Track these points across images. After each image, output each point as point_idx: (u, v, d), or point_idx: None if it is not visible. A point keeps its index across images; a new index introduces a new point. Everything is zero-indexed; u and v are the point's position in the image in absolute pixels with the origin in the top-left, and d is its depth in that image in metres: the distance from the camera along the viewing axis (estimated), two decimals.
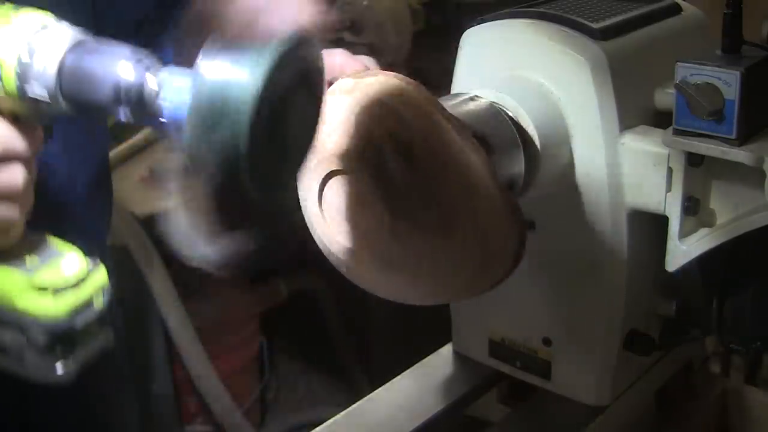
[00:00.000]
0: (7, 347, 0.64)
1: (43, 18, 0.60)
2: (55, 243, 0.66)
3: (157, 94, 0.57)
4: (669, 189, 0.87)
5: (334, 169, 0.67)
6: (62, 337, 0.64)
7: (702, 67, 0.81)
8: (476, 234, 0.65)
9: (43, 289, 0.63)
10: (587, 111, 0.87)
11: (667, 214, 0.88)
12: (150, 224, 1.71)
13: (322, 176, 0.68)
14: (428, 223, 0.63)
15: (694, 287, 0.93)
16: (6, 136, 0.60)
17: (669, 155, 0.86)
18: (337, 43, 2.52)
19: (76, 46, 0.59)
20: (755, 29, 0.90)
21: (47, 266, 0.64)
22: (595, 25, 0.90)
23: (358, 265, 0.69)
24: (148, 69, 0.58)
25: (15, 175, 0.61)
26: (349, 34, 2.35)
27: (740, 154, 0.81)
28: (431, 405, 1.04)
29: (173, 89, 0.57)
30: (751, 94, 0.80)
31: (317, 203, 0.69)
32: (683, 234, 0.88)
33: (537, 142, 0.83)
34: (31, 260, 0.65)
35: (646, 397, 1.04)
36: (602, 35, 0.89)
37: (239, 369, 2.02)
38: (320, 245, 0.71)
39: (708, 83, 0.81)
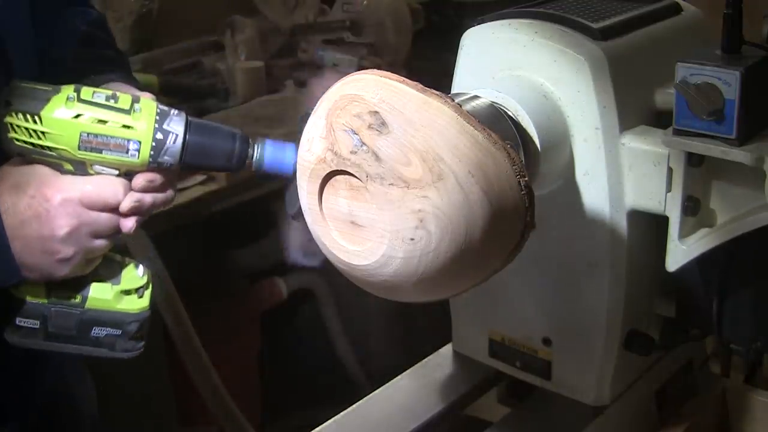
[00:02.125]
0: (101, 341, 0.87)
1: (155, 105, 0.82)
2: (115, 255, 0.89)
3: (253, 159, 0.84)
4: (669, 189, 0.87)
5: (330, 171, 0.67)
6: (144, 323, 0.88)
7: (702, 67, 0.81)
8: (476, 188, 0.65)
9: (129, 292, 0.88)
10: (587, 111, 0.87)
11: (667, 214, 0.88)
12: (150, 224, 1.70)
13: (321, 178, 0.68)
14: (416, 178, 0.64)
15: (694, 287, 0.93)
16: (126, 191, 0.82)
17: (669, 155, 0.86)
18: (337, 43, 2.52)
19: (191, 125, 0.82)
20: (755, 29, 0.89)
21: (126, 275, 0.88)
22: (595, 25, 0.90)
23: (358, 266, 0.70)
24: (246, 141, 0.84)
25: (117, 220, 0.83)
26: (349, 34, 2.36)
27: (740, 154, 0.81)
28: (431, 405, 1.04)
29: (268, 157, 0.84)
30: (750, 94, 0.80)
31: (317, 204, 0.69)
32: (683, 234, 0.88)
33: (537, 142, 0.83)
34: (113, 273, 0.88)
35: (646, 397, 1.04)
36: (602, 35, 0.89)
37: (239, 369, 2.02)
38: (320, 245, 0.71)
39: (708, 83, 0.81)
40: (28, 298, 0.85)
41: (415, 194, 0.63)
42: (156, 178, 0.83)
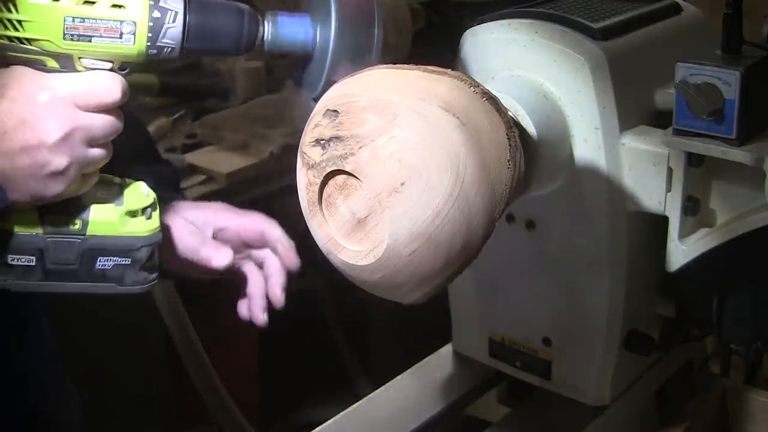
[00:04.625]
0: (107, 274, 0.77)
1: None
2: (114, 177, 0.78)
3: (270, 35, 0.75)
4: (669, 189, 0.87)
5: (318, 185, 0.68)
6: (155, 249, 0.78)
7: (702, 67, 0.81)
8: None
9: (134, 213, 0.77)
10: (587, 111, 0.87)
11: (667, 214, 0.88)
12: None
13: (317, 200, 0.69)
14: (375, 128, 0.65)
15: (694, 287, 0.93)
16: (124, 88, 0.71)
17: (669, 155, 0.86)
18: None
19: (191, 1, 0.71)
20: (755, 29, 0.89)
21: (130, 195, 0.78)
22: (595, 25, 0.90)
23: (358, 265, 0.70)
24: (256, 17, 0.74)
25: (118, 121, 0.72)
26: None
27: (740, 154, 0.81)
28: (431, 405, 1.05)
29: (282, 33, 0.75)
30: (750, 94, 0.81)
31: (317, 205, 0.69)
32: (683, 234, 0.88)
33: (537, 142, 0.83)
34: (114, 193, 0.77)
35: (646, 397, 1.04)
36: (602, 35, 0.89)
37: (239, 369, 2.02)
38: (320, 245, 0.71)
39: (708, 83, 0.81)
40: (19, 230, 0.73)
41: (382, 142, 0.64)
42: None
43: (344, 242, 0.68)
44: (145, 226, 0.77)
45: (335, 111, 0.67)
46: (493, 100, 0.69)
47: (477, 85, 0.69)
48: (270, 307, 0.97)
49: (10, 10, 0.67)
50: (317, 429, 1.00)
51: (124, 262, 0.77)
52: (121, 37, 0.70)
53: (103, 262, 0.76)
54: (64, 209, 0.74)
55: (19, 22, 0.68)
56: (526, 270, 0.98)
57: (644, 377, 1.03)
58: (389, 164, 0.64)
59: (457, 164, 0.64)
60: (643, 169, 0.88)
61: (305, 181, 0.70)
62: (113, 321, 1.54)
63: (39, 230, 0.74)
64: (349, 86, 0.69)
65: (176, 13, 0.70)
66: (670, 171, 0.86)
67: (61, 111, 0.69)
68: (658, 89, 0.92)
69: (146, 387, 1.81)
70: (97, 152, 0.72)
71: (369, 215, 0.66)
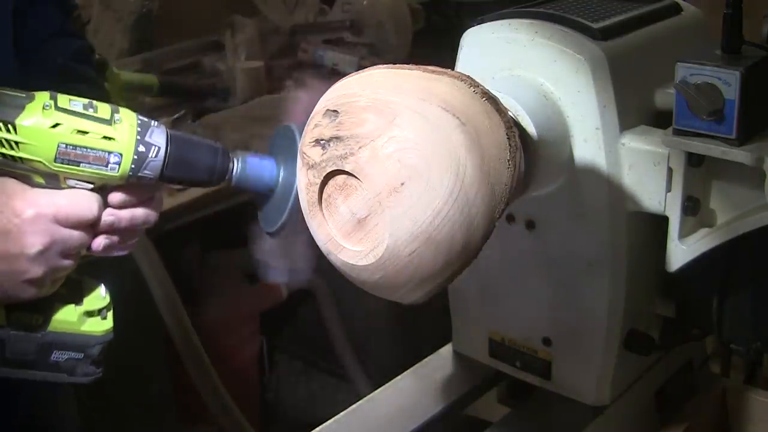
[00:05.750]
0: (60, 366, 0.81)
1: (135, 115, 0.77)
2: (74, 276, 0.82)
3: (238, 174, 0.81)
4: (669, 189, 0.87)
5: (319, 185, 0.68)
6: (106, 346, 0.83)
7: (702, 67, 0.81)
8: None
9: (92, 313, 0.82)
10: (587, 111, 0.87)
11: (667, 214, 0.88)
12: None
13: (317, 200, 0.69)
14: (375, 127, 0.65)
15: (694, 287, 0.93)
16: (101, 207, 0.77)
17: (669, 155, 0.86)
18: (337, 43, 2.52)
19: (172, 138, 0.78)
20: (755, 29, 0.89)
21: (89, 297, 0.83)
22: (595, 25, 0.90)
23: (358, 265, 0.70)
24: (227, 155, 0.80)
25: (90, 238, 0.78)
26: (349, 34, 2.36)
27: (740, 154, 0.81)
28: (431, 405, 1.05)
29: (249, 172, 0.82)
30: (750, 94, 0.80)
31: (317, 205, 0.69)
32: (683, 234, 0.88)
33: (537, 142, 0.83)
34: (74, 293, 0.82)
35: (646, 397, 1.04)
36: (602, 35, 0.89)
37: (239, 369, 2.02)
38: (320, 245, 0.71)
39: (708, 83, 0.81)
40: None
41: (382, 143, 0.64)
42: (135, 193, 0.78)
43: (344, 242, 0.68)
44: (100, 326, 0.83)
45: (335, 111, 0.67)
46: (493, 100, 0.69)
47: (477, 85, 0.69)
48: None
49: (9, 131, 0.72)
50: (317, 429, 1.00)
51: (77, 357, 0.82)
52: (107, 166, 0.75)
53: (58, 356, 0.81)
54: (29, 306, 0.79)
55: (17, 143, 0.73)
56: (526, 270, 0.98)
57: (644, 377, 1.03)
58: (389, 164, 0.64)
59: (457, 164, 0.64)
60: (643, 169, 0.88)
61: (305, 181, 0.70)
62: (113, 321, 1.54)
63: (3, 323, 0.79)
64: (349, 86, 0.69)
65: (159, 148, 0.77)
66: (670, 171, 0.86)
67: (43, 226, 0.74)
68: (658, 89, 0.92)
69: (146, 387, 1.81)
70: (69, 262, 0.77)
71: (369, 215, 0.66)
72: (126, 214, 0.78)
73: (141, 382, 1.79)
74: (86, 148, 0.74)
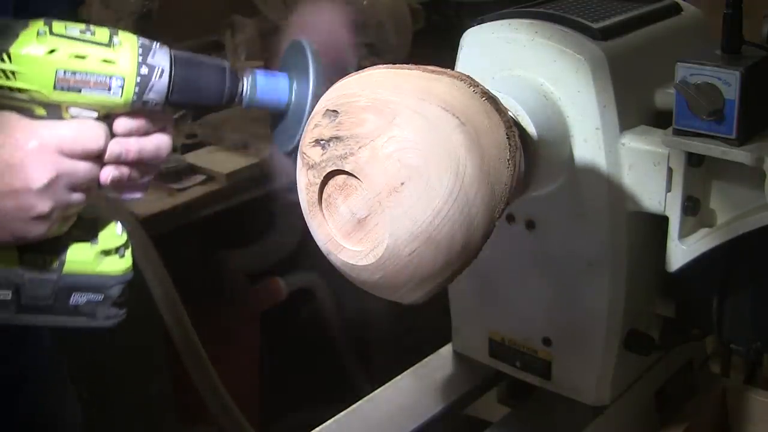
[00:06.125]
0: (80, 309, 0.78)
1: (136, 38, 0.74)
2: (88, 213, 0.79)
3: (248, 93, 0.77)
4: (669, 189, 0.87)
5: (319, 185, 0.68)
6: (126, 287, 0.80)
7: (702, 67, 0.81)
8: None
9: (108, 252, 0.79)
10: (587, 111, 0.87)
11: (667, 214, 0.88)
12: (150, 224, 1.71)
13: (317, 200, 0.69)
14: (375, 127, 0.65)
15: (694, 287, 0.93)
16: (107, 136, 0.74)
17: (669, 155, 0.86)
18: None
19: (176, 59, 0.74)
20: (755, 29, 0.89)
21: (105, 235, 0.79)
22: (595, 25, 0.90)
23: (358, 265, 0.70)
24: (235, 74, 0.77)
25: (98, 170, 0.75)
26: None
27: (740, 154, 0.81)
28: (431, 405, 1.05)
29: (260, 90, 0.78)
30: (750, 94, 0.80)
31: (317, 205, 0.69)
32: (683, 234, 0.88)
33: (537, 142, 0.83)
34: (89, 232, 0.79)
35: (646, 397, 1.04)
36: (602, 35, 0.89)
37: (239, 369, 2.02)
38: (320, 245, 0.71)
39: (708, 83, 0.81)
40: None
41: (381, 142, 0.64)
42: (141, 119, 0.75)
43: (344, 242, 0.68)
44: (118, 265, 0.80)
45: (335, 111, 0.67)
46: (493, 100, 0.69)
47: (477, 85, 0.69)
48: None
49: (3, 60, 0.69)
50: (317, 429, 1.00)
51: (96, 299, 0.79)
52: (109, 90, 0.72)
53: (77, 298, 0.78)
54: (42, 247, 0.76)
55: (12, 72, 0.70)
56: (526, 270, 0.98)
57: (644, 377, 1.03)
58: (389, 164, 0.64)
59: (457, 164, 0.64)
60: (643, 169, 0.88)
61: (305, 181, 0.70)
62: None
63: (17, 267, 0.76)
64: (349, 86, 0.69)
65: (163, 69, 0.73)
66: (670, 171, 0.86)
67: (48, 158, 0.71)
68: (658, 89, 0.92)
69: (146, 387, 1.81)
70: (78, 196, 0.74)
71: (369, 215, 0.66)
72: (134, 143, 0.75)
73: (141, 382, 1.79)
74: (86, 72, 0.71)
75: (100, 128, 0.74)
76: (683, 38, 0.98)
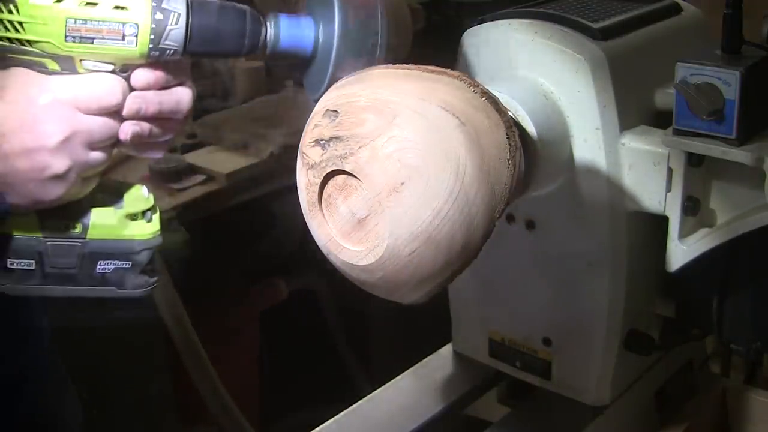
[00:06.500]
0: (107, 278, 0.75)
1: None
2: (113, 180, 0.77)
3: (272, 39, 0.72)
4: (669, 189, 0.87)
5: (318, 185, 0.68)
6: (156, 253, 0.77)
7: (702, 67, 0.81)
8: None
9: (134, 216, 0.76)
10: (587, 111, 0.87)
11: (667, 214, 0.88)
12: None
13: (317, 200, 0.69)
14: (375, 127, 0.65)
15: (694, 287, 0.93)
16: (125, 90, 0.70)
17: (669, 155, 0.86)
18: None
19: (193, 3, 0.70)
20: (755, 29, 0.89)
21: (130, 198, 0.76)
22: (595, 25, 0.90)
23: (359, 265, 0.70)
24: (258, 18, 0.72)
25: (117, 127, 0.71)
26: None
27: (740, 154, 0.81)
28: (431, 405, 1.05)
29: (284, 34, 0.73)
30: (751, 94, 0.81)
31: (317, 205, 0.69)
32: (683, 234, 0.88)
33: (537, 142, 0.83)
34: (113, 196, 0.76)
35: (646, 397, 1.04)
36: (602, 35, 0.89)
37: (239, 369, 2.02)
38: (320, 245, 0.71)
39: (708, 83, 0.81)
40: (18, 233, 0.72)
41: (382, 142, 0.64)
42: (160, 70, 0.71)
43: (344, 242, 0.68)
44: (145, 229, 0.76)
45: (335, 111, 0.68)
46: (493, 100, 0.69)
47: (477, 85, 0.69)
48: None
49: (11, 12, 0.66)
50: (317, 429, 1.00)
51: (124, 266, 0.75)
52: (123, 39, 0.68)
53: (104, 266, 0.75)
54: (63, 213, 0.73)
55: (21, 23, 0.67)
56: (526, 270, 0.98)
57: (644, 377, 1.03)
58: (389, 164, 0.64)
59: (457, 164, 0.64)
60: (643, 169, 0.88)
61: (305, 181, 0.70)
62: (113, 321, 1.54)
63: (38, 234, 0.73)
64: (349, 86, 0.69)
65: (179, 15, 0.69)
66: (670, 171, 0.86)
67: (62, 114, 0.68)
68: (658, 89, 0.92)
69: (146, 387, 1.81)
70: (97, 155, 0.70)
71: (369, 215, 0.66)
72: (154, 97, 0.71)
73: (141, 382, 1.78)
74: (97, 21, 0.68)
75: (117, 82, 0.70)
76: (683, 38, 0.98)
